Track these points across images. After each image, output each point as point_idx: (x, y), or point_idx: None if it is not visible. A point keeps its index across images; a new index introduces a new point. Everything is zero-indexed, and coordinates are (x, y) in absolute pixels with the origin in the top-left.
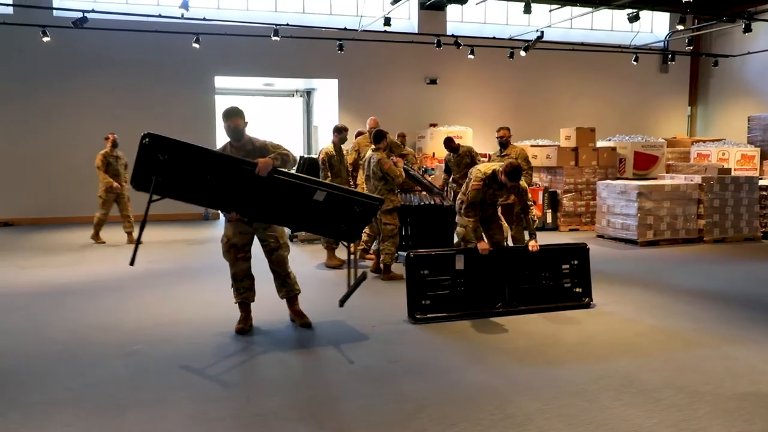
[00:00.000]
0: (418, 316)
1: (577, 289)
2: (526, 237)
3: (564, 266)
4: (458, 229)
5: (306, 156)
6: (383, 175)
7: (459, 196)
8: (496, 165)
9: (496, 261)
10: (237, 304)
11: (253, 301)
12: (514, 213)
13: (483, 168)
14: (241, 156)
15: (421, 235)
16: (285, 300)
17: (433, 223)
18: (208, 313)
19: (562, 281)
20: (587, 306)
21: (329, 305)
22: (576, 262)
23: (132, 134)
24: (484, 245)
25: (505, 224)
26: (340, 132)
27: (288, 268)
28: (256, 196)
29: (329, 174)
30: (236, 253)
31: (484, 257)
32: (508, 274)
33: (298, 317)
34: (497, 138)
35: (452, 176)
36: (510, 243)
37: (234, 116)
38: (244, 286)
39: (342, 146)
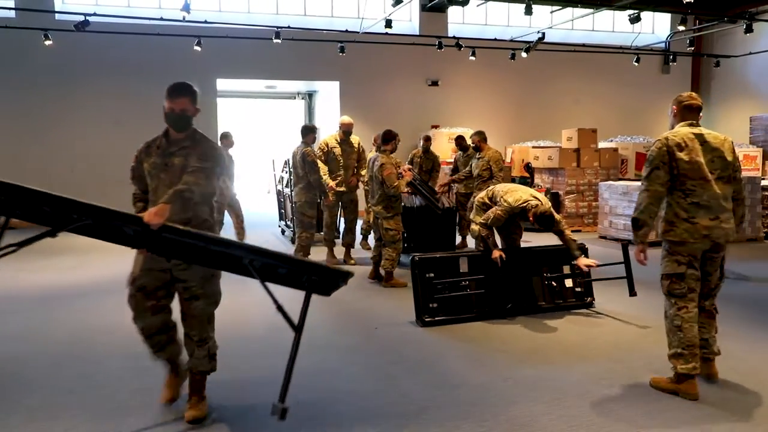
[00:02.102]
0: (426, 319)
1: (579, 289)
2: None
3: (565, 266)
4: (473, 226)
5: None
6: (383, 180)
7: (480, 195)
8: (527, 198)
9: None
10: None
11: (180, 353)
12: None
13: (513, 200)
14: (173, 152)
15: (423, 236)
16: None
17: (435, 224)
18: None
19: (563, 281)
20: (590, 305)
21: (331, 306)
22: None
23: (133, 136)
24: (497, 253)
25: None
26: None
27: (208, 332)
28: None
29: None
30: (144, 299)
31: (490, 260)
32: (513, 275)
33: (193, 406)
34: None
35: (456, 176)
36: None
37: (181, 94)
38: (160, 341)
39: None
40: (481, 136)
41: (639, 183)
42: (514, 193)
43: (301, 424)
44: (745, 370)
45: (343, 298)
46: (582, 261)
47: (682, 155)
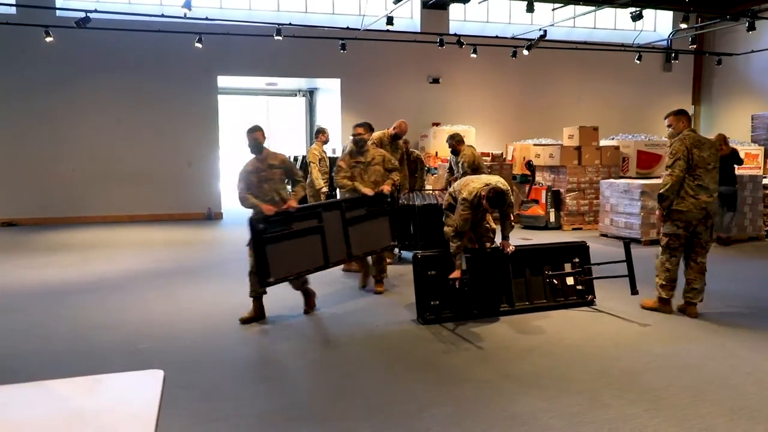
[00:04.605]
0: (427, 317)
1: (580, 287)
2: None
3: (566, 264)
4: (445, 228)
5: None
6: None
7: (446, 197)
8: (480, 187)
9: (501, 260)
10: None
11: None
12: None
13: (468, 194)
14: None
15: (425, 235)
16: None
17: (436, 223)
18: (211, 313)
19: (564, 279)
20: (590, 303)
21: (331, 304)
22: (577, 260)
23: (134, 133)
24: (457, 273)
25: (492, 225)
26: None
27: None
28: None
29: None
30: None
31: (490, 258)
32: (514, 273)
33: None
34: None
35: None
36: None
37: None
38: None
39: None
40: (455, 139)
41: (640, 181)
42: (468, 186)
43: (302, 422)
44: (746, 369)
45: (344, 296)
46: (506, 243)
47: (696, 151)
